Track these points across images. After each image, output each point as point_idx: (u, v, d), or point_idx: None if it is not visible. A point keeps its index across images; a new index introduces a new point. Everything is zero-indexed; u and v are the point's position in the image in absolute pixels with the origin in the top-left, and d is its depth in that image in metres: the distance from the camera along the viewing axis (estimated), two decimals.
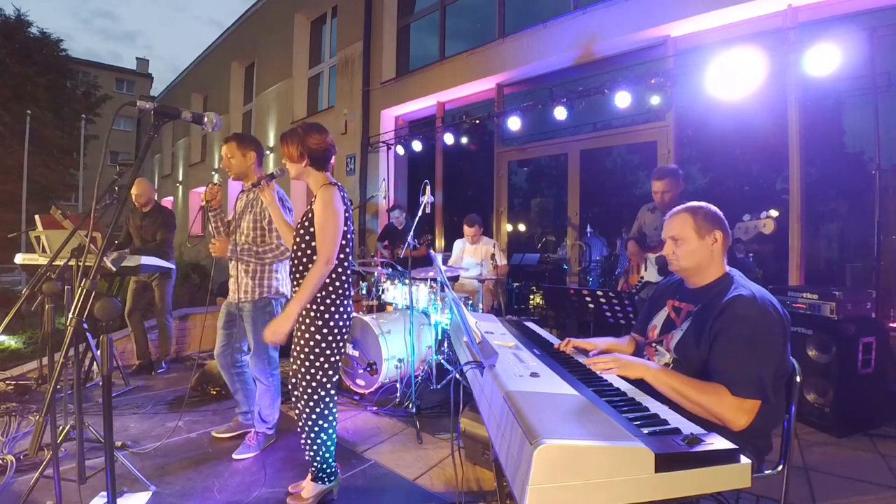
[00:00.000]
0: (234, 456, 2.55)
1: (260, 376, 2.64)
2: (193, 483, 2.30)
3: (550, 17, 5.45)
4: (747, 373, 1.29)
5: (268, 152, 9.80)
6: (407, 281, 3.77)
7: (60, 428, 2.13)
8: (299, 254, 2.06)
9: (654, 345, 1.63)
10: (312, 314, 2.01)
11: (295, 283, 2.08)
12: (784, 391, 1.47)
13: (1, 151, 14.43)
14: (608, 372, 1.41)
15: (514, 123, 5.27)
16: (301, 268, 2.05)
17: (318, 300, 2.01)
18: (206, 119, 1.71)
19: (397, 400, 3.39)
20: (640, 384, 1.36)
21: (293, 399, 2.11)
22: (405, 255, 3.63)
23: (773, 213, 2.59)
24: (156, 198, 4.29)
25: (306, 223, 2.04)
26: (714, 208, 1.56)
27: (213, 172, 11.84)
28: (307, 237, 2.04)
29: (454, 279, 4.58)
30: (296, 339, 2.07)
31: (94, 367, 3.66)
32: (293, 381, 2.08)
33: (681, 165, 3.80)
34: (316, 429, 2.05)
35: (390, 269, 4.17)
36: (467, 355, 1.46)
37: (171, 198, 15.50)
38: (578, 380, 1.28)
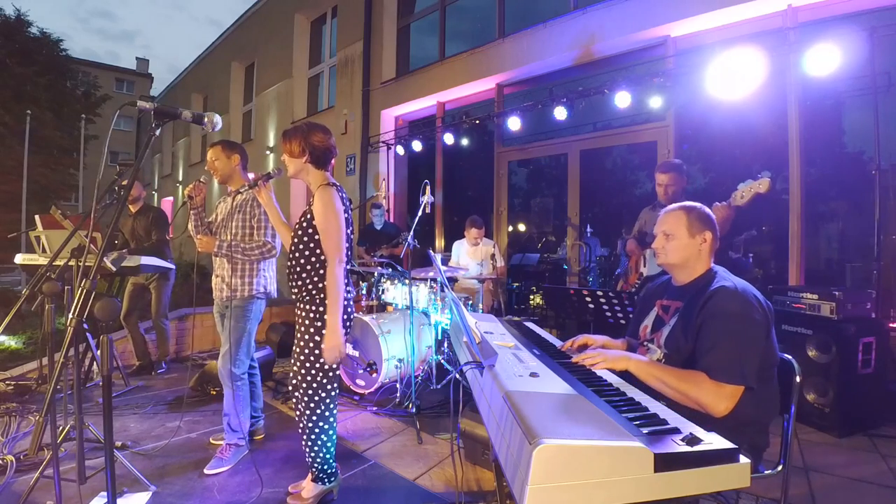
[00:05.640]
0: (206, 471, 2.39)
1: (226, 378, 2.52)
2: (193, 483, 2.30)
3: (550, 17, 5.44)
4: (726, 359, 1.34)
5: (268, 152, 9.80)
6: (407, 281, 3.77)
7: (60, 428, 2.14)
8: (297, 254, 2.05)
9: (645, 343, 1.68)
10: (312, 315, 2.00)
11: (292, 283, 2.07)
12: (776, 382, 1.49)
13: (1, 151, 14.41)
14: (595, 366, 1.46)
15: (514, 123, 5.27)
16: (298, 269, 2.04)
17: (318, 301, 2.00)
18: (206, 119, 1.71)
19: (397, 400, 3.39)
20: (631, 380, 1.40)
21: (293, 400, 2.11)
22: (389, 254, 3.63)
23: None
24: (144, 196, 4.27)
25: (304, 224, 2.04)
26: (707, 210, 1.63)
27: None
28: (305, 238, 2.03)
29: (454, 279, 4.58)
30: (296, 340, 2.06)
31: (94, 367, 3.67)
32: (293, 381, 2.08)
33: None
34: (316, 430, 2.05)
35: (390, 270, 4.17)
36: (467, 355, 1.46)
37: (170, 198, 15.48)
38: (578, 379, 1.28)
